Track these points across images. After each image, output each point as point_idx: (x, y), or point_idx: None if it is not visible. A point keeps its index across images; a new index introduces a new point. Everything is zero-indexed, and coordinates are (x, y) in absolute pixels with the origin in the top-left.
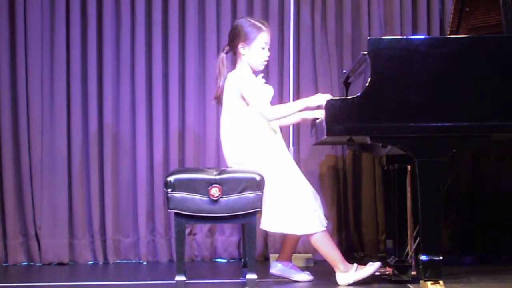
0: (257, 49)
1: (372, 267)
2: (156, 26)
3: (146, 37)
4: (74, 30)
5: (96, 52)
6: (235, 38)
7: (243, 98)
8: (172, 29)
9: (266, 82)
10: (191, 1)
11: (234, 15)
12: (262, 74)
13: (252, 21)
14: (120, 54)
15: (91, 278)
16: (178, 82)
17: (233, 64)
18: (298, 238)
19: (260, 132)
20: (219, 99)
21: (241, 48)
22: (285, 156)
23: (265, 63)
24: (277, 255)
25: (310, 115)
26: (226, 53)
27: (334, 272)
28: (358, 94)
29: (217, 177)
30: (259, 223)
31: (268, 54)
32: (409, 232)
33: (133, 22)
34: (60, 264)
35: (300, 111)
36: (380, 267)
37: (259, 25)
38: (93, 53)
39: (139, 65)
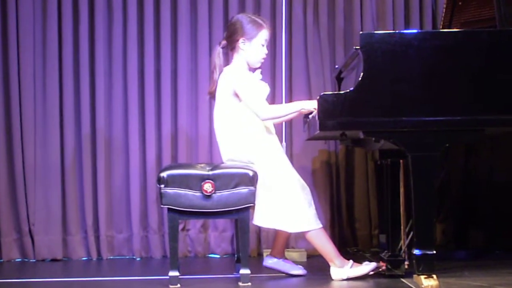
0: (257, 45)
1: (367, 267)
2: (148, 23)
3: (138, 34)
4: (66, 26)
5: (88, 49)
6: (235, 33)
7: (236, 95)
8: (164, 26)
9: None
10: None
11: (226, 12)
12: (260, 70)
13: (252, 17)
14: (112, 50)
15: (85, 274)
16: (170, 79)
17: (228, 59)
18: (289, 233)
19: (253, 128)
20: (213, 94)
21: (242, 44)
22: (278, 152)
23: (262, 60)
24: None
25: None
26: (223, 48)
27: (328, 267)
28: (351, 89)
29: (210, 172)
30: (252, 218)
31: (266, 51)
32: (402, 227)
33: (125, 18)
34: (54, 260)
35: (295, 113)
36: (377, 268)
37: (260, 22)
38: (85, 50)
39: (131, 62)
